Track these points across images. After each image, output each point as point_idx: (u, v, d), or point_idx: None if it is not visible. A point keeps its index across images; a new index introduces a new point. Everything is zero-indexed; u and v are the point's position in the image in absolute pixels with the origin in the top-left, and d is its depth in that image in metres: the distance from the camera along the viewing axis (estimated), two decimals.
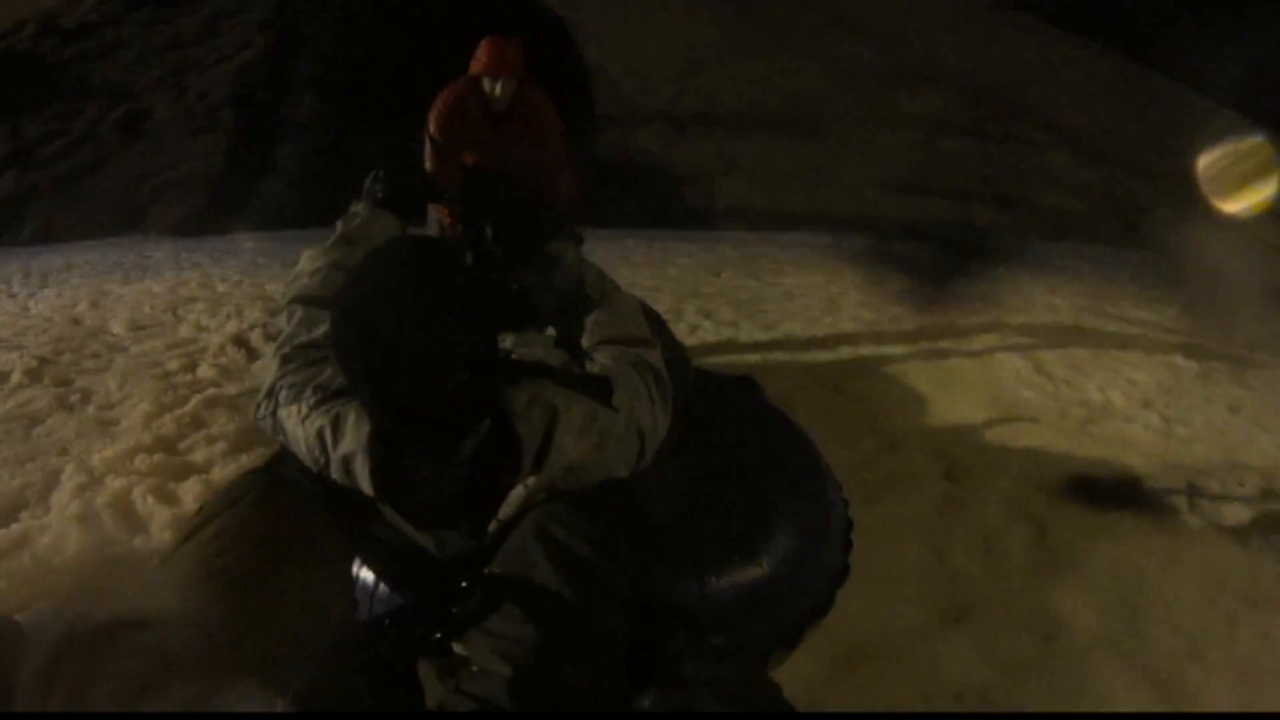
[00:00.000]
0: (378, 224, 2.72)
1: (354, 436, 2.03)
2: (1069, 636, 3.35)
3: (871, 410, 5.58)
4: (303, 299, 2.49)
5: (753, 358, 6.61)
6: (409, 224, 2.81)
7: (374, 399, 1.90)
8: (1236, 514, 4.32)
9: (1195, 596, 3.63)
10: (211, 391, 5.47)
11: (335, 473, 2.06)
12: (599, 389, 2.14)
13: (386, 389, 1.85)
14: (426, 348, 1.80)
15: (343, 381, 2.11)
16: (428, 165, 5.33)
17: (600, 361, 2.30)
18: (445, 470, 1.95)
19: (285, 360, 2.30)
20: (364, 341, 1.84)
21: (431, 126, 5.29)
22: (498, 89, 5.17)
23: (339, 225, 2.71)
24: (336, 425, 2.07)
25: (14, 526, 3.88)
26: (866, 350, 7.06)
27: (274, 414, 2.23)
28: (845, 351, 6.98)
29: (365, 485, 2.02)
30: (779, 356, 6.79)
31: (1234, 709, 3.03)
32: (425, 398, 1.84)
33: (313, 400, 2.14)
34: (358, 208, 2.77)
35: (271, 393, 2.26)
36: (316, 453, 2.09)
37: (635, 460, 2.22)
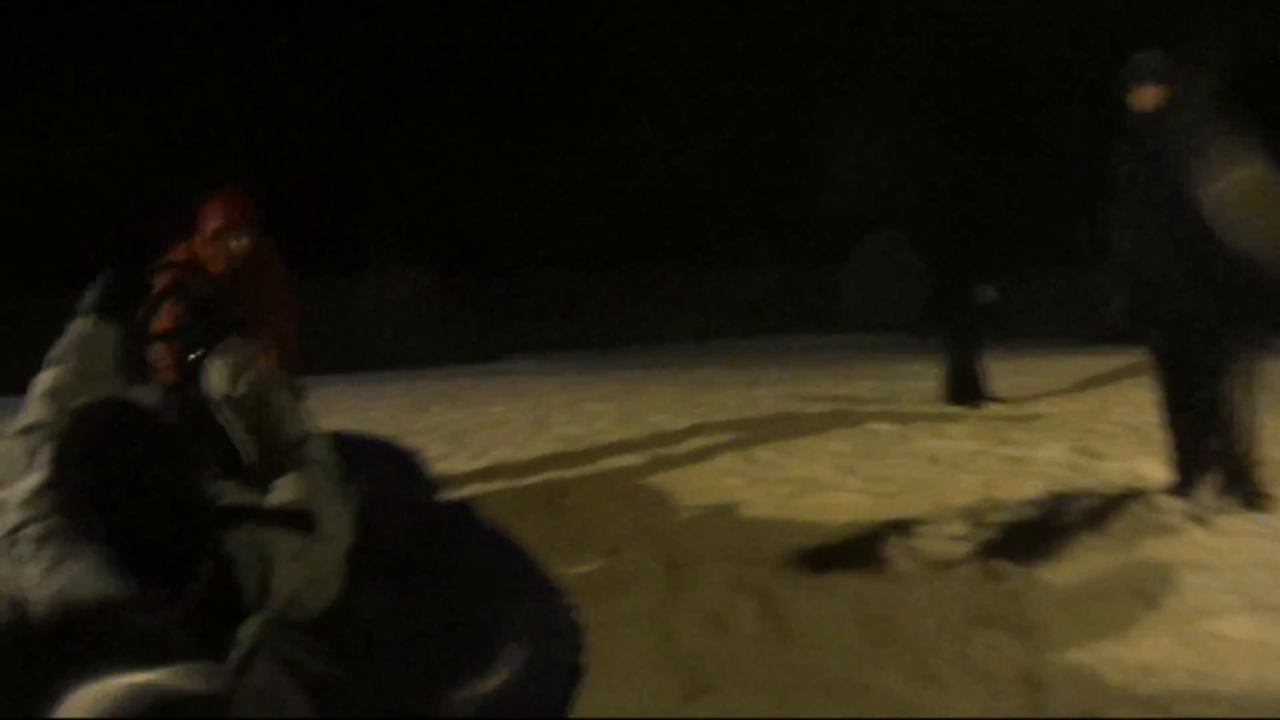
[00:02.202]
0: (93, 341, 2.71)
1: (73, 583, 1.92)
2: (806, 688, 3.37)
3: (589, 520, 5.60)
4: (26, 429, 2.41)
5: (467, 487, 6.56)
6: (125, 328, 2.84)
7: (100, 556, 1.87)
8: (948, 549, 4.45)
9: (923, 628, 3.70)
10: None
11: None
12: (302, 521, 2.18)
13: (110, 548, 1.84)
14: (143, 503, 1.84)
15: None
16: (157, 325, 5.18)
17: (299, 485, 2.34)
18: (174, 618, 1.89)
19: (24, 505, 2.14)
20: (83, 502, 1.85)
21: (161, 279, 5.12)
22: (242, 242, 5.11)
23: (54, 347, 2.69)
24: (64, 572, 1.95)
25: None
26: (578, 465, 7.12)
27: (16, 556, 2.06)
28: (557, 469, 7.01)
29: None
30: (494, 482, 6.78)
31: (978, 715, 3.10)
32: (147, 554, 1.84)
33: (51, 558, 2.00)
34: (73, 324, 2.74)
35: (14, 538, 2.10)
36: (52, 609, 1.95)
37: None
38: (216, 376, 2.77)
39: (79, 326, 2.73)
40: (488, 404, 10.88)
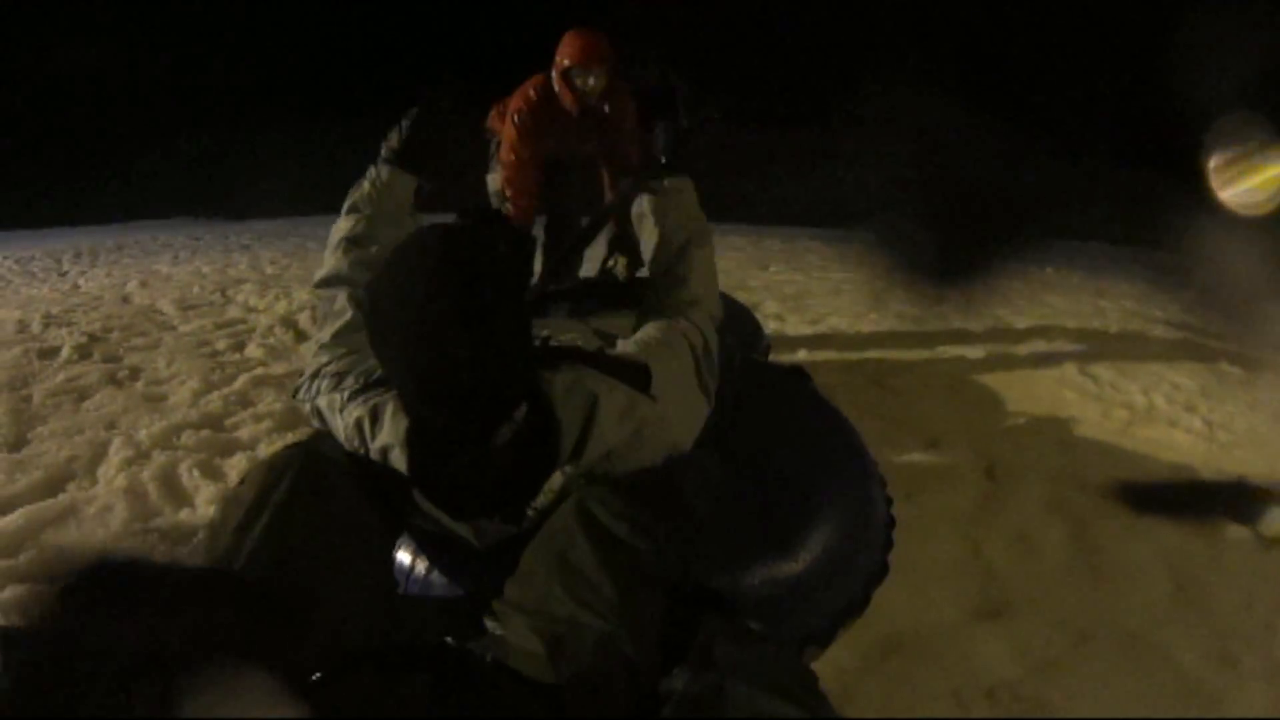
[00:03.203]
0: (389, 190, 2.69)
1: (392, 428, 2.03)
2: (1102, 637, 3.30)
3: (914, 406, 5.58)
4: (323, 281, 2.54)
5: (798, 352, 6.60)
6: (425, 182, 2.80)
7: (410, 390, 1.89)
8: (1275, 524, 4.27)
9: (1231, 603, 3.57)
10: (259, 371, 5.58)
11: (375, 458, 2.06)
12: (637, 376, 2.12)
13: (422, 380, 1.82)
14: (461, 336, 1.77)
15: (380, 371, 2.10)
16: (501, 156, 5.44)
17: (648, 336, 2.30)
18: (482, 459, 1.94)
19: (324, 348, 2.35)
20: (397, 334, 1.82)
21: (515, 119, 5.39)
22: (590, 82, 5.27)
23: (349, 194, 2.70)
24: (375, 417, 2.07)
25: (61, 497, 3.93)
26: (911, 347, 7.06)
27: (315, 400, 2.25)
28: (890, 348, 6.99)
29: (404, 474, 2.01)
30: (824, 351, 6.79)
31: (1265, 716, 3.00)
32: (461, 386, 1.81)
33: (351, 390, 2.16)
34: (370, 171, 2.73)
35: (315, 377, 2.30)
36: (355, 443, 2.10)
37: (672, 446, 2.22)
38: (651, 203, 2.77)
39: (375, 174, 2.71)
40: (828, 269, 10.81)
